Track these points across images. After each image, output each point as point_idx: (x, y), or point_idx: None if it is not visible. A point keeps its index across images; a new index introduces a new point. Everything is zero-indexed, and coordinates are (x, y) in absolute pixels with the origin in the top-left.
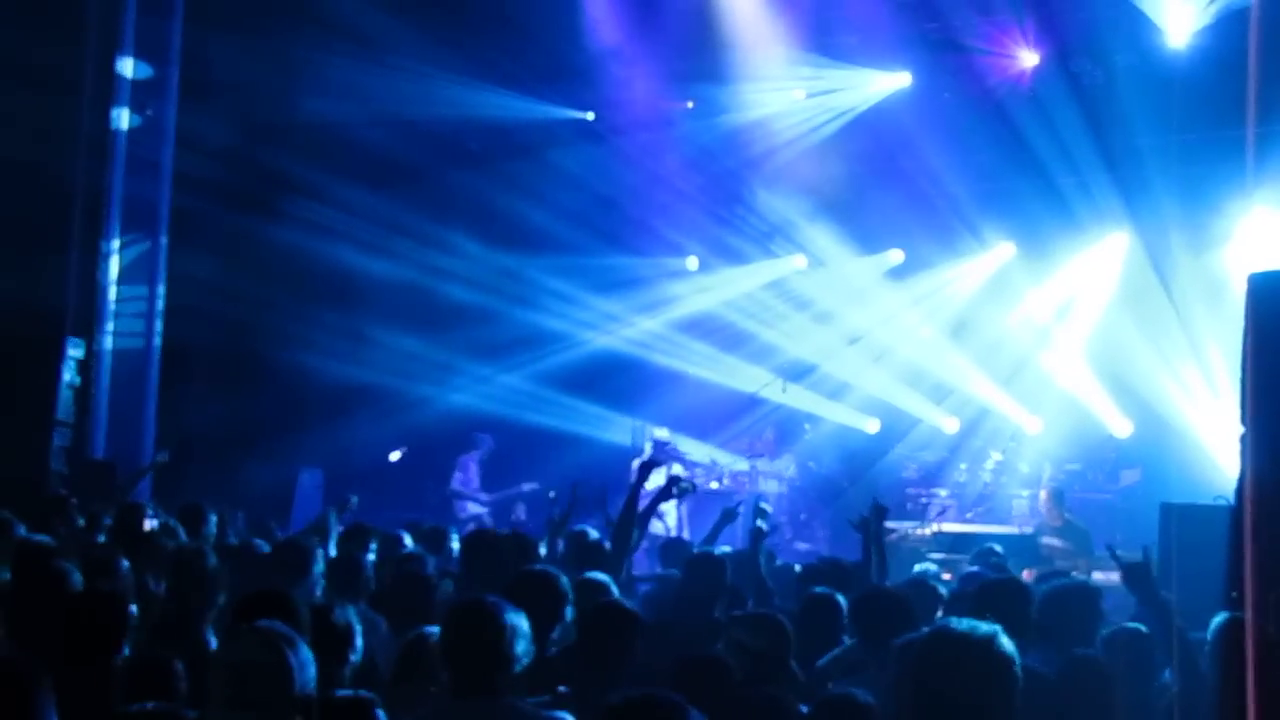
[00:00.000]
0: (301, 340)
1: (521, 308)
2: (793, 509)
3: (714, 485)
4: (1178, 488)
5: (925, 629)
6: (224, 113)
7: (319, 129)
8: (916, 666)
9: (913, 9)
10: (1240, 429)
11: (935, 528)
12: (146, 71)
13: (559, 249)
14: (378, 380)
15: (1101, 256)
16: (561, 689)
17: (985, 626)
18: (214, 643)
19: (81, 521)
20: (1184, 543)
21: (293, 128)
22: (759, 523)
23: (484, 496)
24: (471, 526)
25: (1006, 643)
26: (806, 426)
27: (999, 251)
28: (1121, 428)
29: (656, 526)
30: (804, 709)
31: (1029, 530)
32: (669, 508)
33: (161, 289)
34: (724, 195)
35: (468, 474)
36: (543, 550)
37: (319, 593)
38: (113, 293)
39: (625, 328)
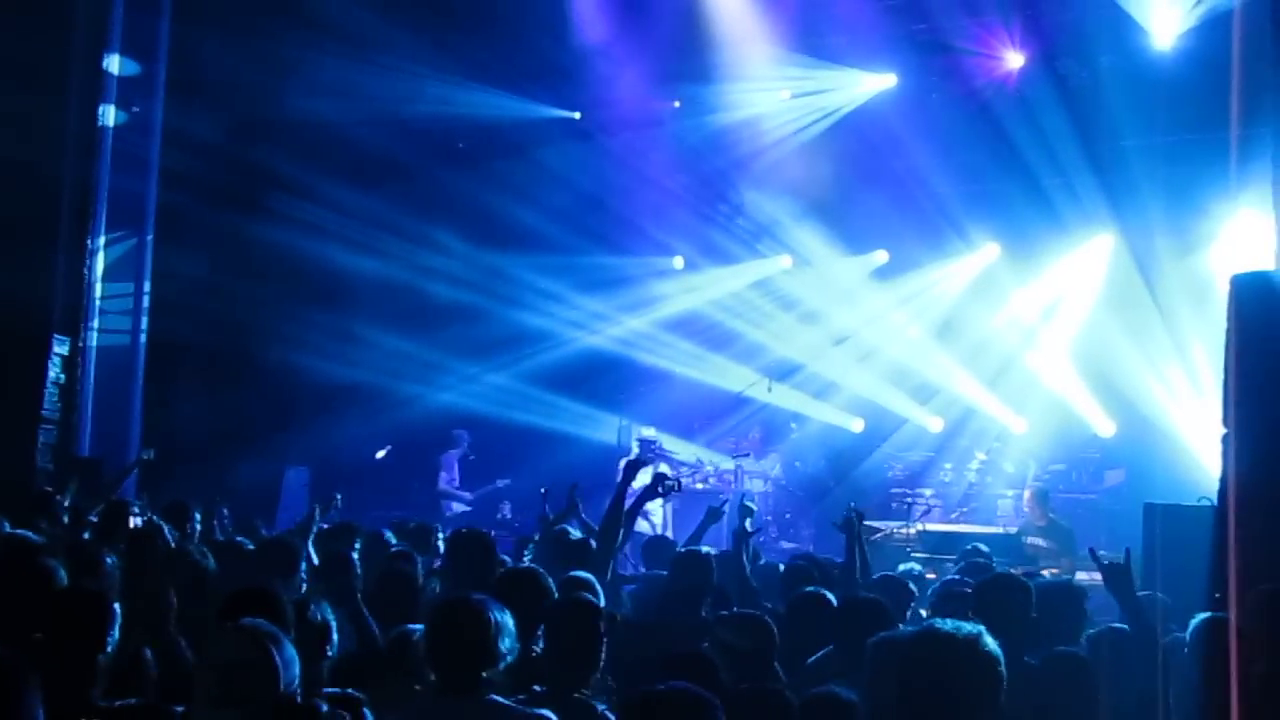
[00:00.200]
0: (288, 338)
1: (508, 306)
2: (778, 508)
3: (699, 486)
4: (1162, 488)
5: (901, 627)
6: (211, 110)
7: (306, 127)
8: (902, 666)
9: (899, 10)
10: (1223, 430)
11: (920, 527)
12: (134, 68)
13: (546, 248)
14: (365, 378)
15: (1087, 257)
16: (537, 688)
17: (970, 626)
18: (183, 644)
19: (67, 519)
20: (1168, 543)
21: (280, 125)
22: (744, 522)
23: (467, 495)
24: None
25: (991, 642)
26: (792, 426)
27: (985, 252)
28: (1106, 428)
29: (642, 525)
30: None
31: (1013, 530)
32: (654, 506)
33: (148, 286)
34: (711, 195)
35: (452, 473)
36: (527, 556)
37: (304, 590)
38: (99, 289)
39: (612, 327)
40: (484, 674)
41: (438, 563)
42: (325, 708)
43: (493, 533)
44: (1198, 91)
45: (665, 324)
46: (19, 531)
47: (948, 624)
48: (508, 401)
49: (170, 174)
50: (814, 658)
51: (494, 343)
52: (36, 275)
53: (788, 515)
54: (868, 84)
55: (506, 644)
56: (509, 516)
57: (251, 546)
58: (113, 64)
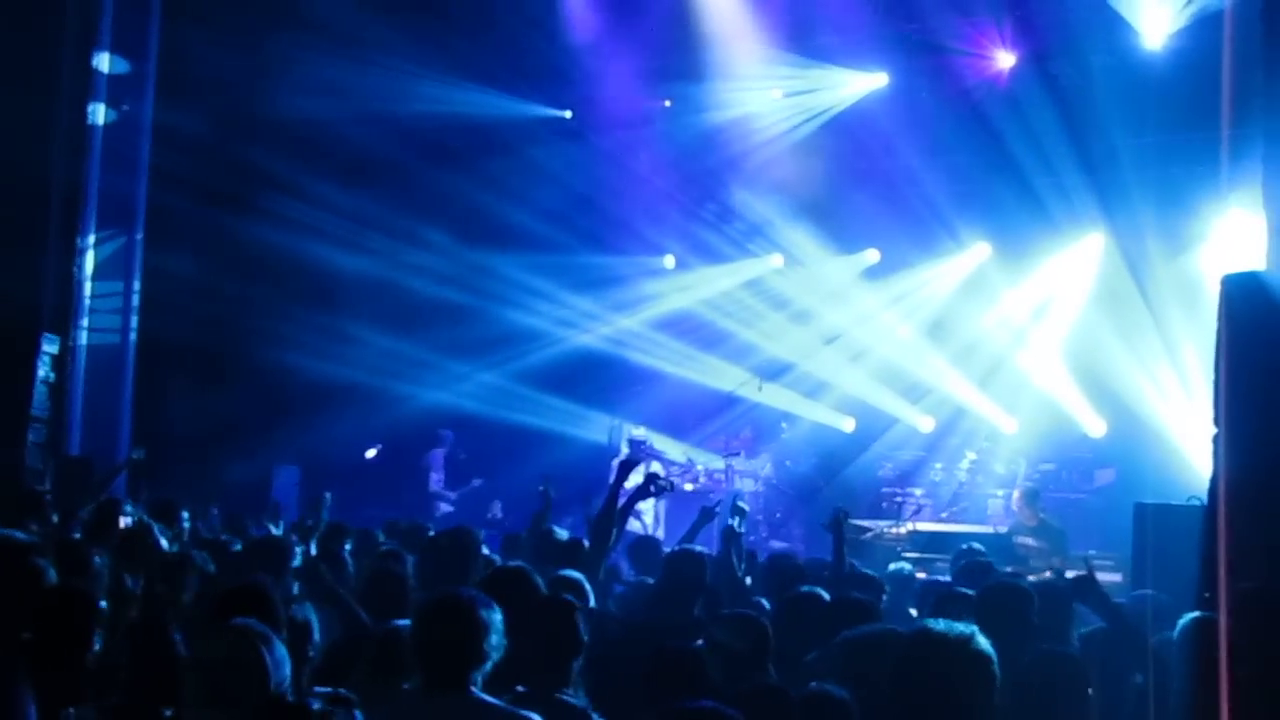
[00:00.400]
0: (279, 337)
1: (499, 305)
2: (769, 507)
3: (688, 486)
4: (1152, 488)
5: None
6: (201, 108)
7: (296, 125)
8: (896, 666)
9: (891, 9)
10: (1213, 430)
11: (910, 527)
12: (123, 67)
13: (537, 247)
14: (355, 378)
15: (1077, 257)
16: (520, 688)
17: (962, 626)
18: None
19: (57, 518)
20: (1158, 542)
21: (270, 124)
22: (732, 521)
23: (452, 495)
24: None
25: (984, 641)
26: (783, 425)
27: (975, 252)
28: (1096, 428)
29: (633, 525)
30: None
31: (1004, 530)
32: (646, 506)
33: (138, 284)
34: (702, 194)
35: (441, 473)
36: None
37: (295, 590)
38: (89, 288)
39: (603, 326)
40: (471, 672)
41: None
42: (317, 705)
43: (484, 532)
44: (1188, 91)
45: (656, 323)
46: (5, 530)
47: (940, 624)
48: (499, 401)
49: (160, 172)
50: (810, 656)
51: (485, 342)
52: (26, 274)
53: (778, 514)
54: (859, 83)
55: (494, 641)
56: (500, 516)
57: (239, 546)
58: (102, 62)
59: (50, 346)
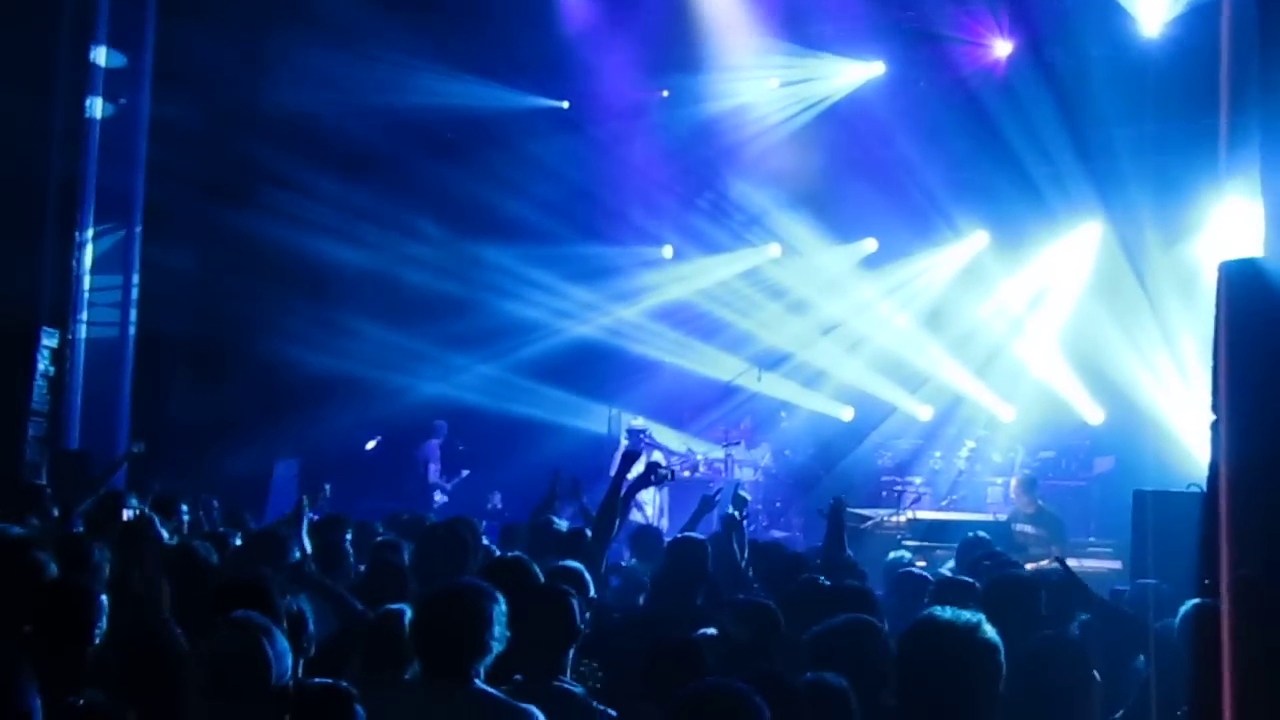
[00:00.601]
0: (278, 330)
1: (497, 297)
2: (768, 497)
3: (686, 474)
4: (1151, 475)
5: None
6: (198, 102)
7: (293, 119)
8: (902, 654)
9: None
10: (1212, 417)
11: (910, 515)
12: (120, 60)
13: (535, 238)
14: (354, 370)
15: (1075, 246)
16: (518, 677)
17: (969, 615)
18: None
19: (57, 512)
20: (1158, 530)
21: (267, 117)
22: (733, 510)
23: (447, 485)
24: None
25: (990, 630)
26: (782, 415)
27: (973, 240)
28: (1095, 415)
29: (635, 515)
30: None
31: (1003, 518)
32: (648, 497)
33: (136, 278)
34: (699, 184)
35: (438, 464)
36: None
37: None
38: (87, 282)
39: (601, 316)
40: (473, 664)
41: None
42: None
43: (483, 523)
44: (1185, 79)
45: (654, 313)
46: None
47: (946, 612)
48: (497, 392)
49: (157, 166)
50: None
51: (483, 333)
52: (24, 268)
53: (778, 504)
54: (856, 72)
55: (497, 634)
56: (499, 506)
57: (239, 539)
58: (99, 56)
59: (49, 340)
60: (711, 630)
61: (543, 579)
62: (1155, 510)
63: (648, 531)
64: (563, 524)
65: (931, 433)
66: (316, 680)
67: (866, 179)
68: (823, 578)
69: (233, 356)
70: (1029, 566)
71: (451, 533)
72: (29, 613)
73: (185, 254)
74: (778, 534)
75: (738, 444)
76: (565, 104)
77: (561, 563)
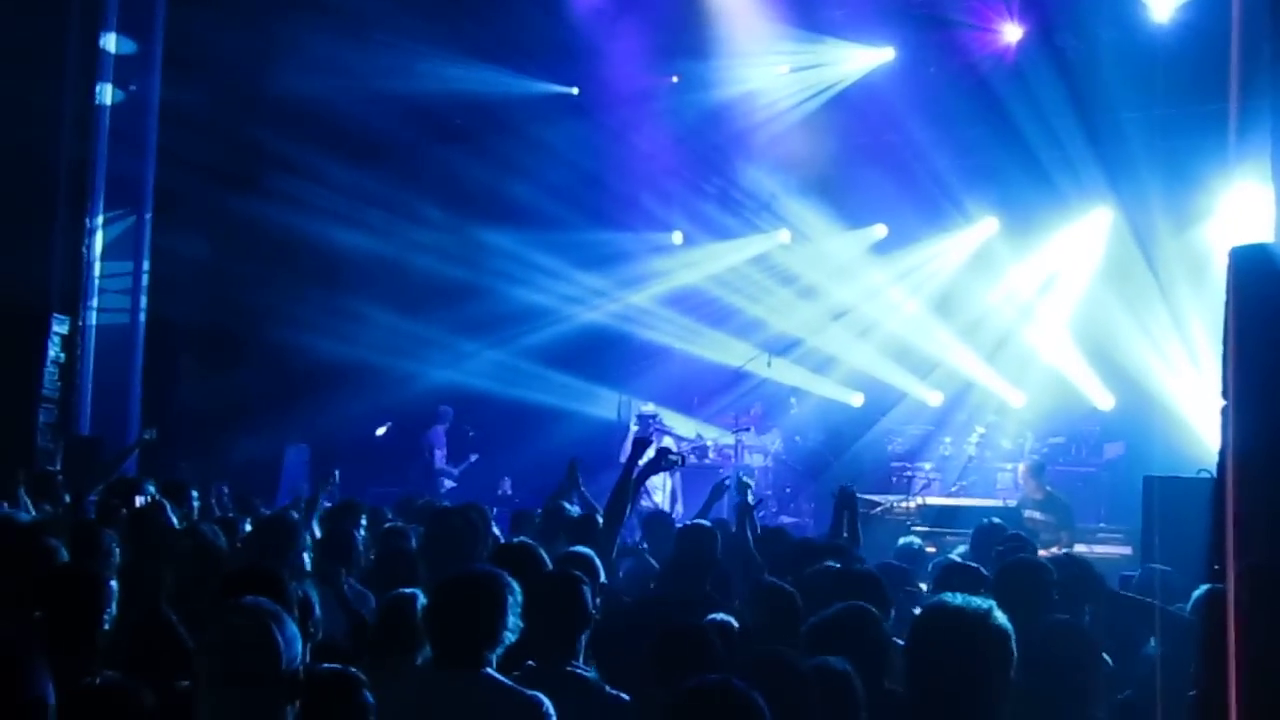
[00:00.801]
0: (288, 316)
1: (507, 283)
2: (778, 483)
3: (693, 459)
4: (1161, 461)
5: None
6: (208, 88)
7: (303, 104)
8: (913, 640)
9: None
10: (1222, 402)
11: (920, 501)
12: (130, 47)
13: (544, 224)
14: (364, 356)
15: (1085, 231)
16: (531, 663)
17: (980, 601)
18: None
19: (69, 498)
20: (1167, 515)
21: (277, 103)
22: (744, 496)
23: (455, 471)
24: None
25: (1001, 616)
26: (792, 401)
27: (983, 226)
28: (1105, 401)
29: (645, 502)
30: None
31: (1013, 503)
32: (659, 482)
33: (146, 264)
34: (709, 170)
35: (445, 450)
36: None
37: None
38: (98, 268)
39: (611, 303)
40: (486, 651)
41: None
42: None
43: (494, 510)
44: (1196, 64)
45: (664, 299)
46: (13, 511)
47: (957, 598)
48: (507, 378)
49: (167, 152)
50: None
51: (493, 319)
52: (35, 255)
53: (788, 490)
54: (866, 58)
55: (510, 622)
56: (509, 492)
57: (248, 525)
58: (109, 43)
59: (60, 327)
60: (720, 615)
61: (550, 564)
62: (1165, 496)
63: (659, 517)
64: (574, 509)
65: (941, 419)
66: (326, 665)
67: (876, 165)
68: (832, 562)
69: (243, 342)
70: (1041, 553)
71: (464, 519)
72: (40, 598)
73: (195, 240)
74: (787, 520)
75: (748, 430)
76: (575, 90)
77: (572, 548)
